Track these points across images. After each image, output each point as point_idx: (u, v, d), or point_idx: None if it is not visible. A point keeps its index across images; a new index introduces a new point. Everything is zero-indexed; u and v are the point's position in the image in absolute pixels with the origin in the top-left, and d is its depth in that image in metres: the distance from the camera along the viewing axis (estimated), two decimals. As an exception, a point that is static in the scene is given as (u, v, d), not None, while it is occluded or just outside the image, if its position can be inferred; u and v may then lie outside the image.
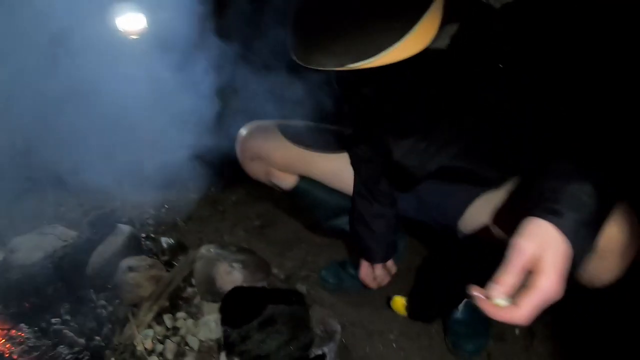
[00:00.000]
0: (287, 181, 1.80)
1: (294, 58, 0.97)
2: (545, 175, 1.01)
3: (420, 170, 1.43)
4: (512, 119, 1.22)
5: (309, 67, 0.96)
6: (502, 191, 1.41)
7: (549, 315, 1.73)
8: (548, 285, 0.85)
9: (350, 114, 1.59)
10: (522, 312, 0.85)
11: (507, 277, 0.87)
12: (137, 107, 2.64)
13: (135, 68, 2.59)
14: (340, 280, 1.98)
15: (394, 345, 1.76)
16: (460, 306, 1.75)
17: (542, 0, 1.09)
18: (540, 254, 0.87)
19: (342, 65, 0.92)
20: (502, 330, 1.78)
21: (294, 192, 1.82)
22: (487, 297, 0.88)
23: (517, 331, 1.77)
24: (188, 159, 2.51)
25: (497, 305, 0.87)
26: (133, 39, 2.54)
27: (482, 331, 1.76)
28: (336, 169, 1.73)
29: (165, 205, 2.51)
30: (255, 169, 1.83)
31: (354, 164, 1.68)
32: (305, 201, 1.86)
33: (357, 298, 1.95)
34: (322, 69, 0.95)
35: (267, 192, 1.77)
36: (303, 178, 1.78)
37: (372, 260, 1.81)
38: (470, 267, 1.48)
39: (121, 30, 2.51)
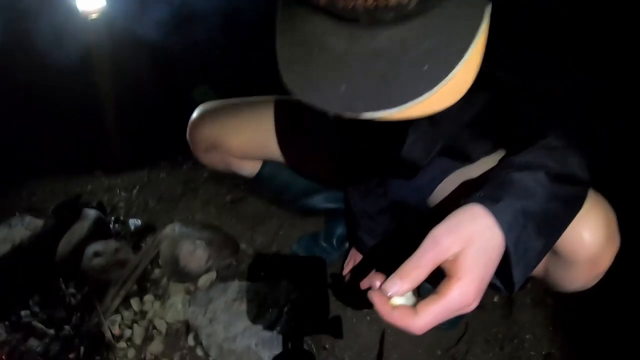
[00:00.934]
0: (248, 168, 1.64)
1: (288, 85, 0.62)
2: (504, 161, 0.84)
3: (424, 160, 1.24)
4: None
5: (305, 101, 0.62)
6: (478, 165, 1.26)
7: (529, 282, 1.68)
8: (458, 296, 0.69)
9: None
10: (418, 322, 0.69)
11: (413, 272, 0.70)
12: (103, 88, 2.59)
13: (97, 48, 2.53)
14: (313, 254, 1.90)
15: (368, 318, 1.71)
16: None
17: None
18: (461, 251, 0.70)
19: (354, 111, 0.59)
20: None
21: (258, 179, 1.66)
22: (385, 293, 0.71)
23: (495, 299, 1.71)
24: (158, 137, 2.46)
25: (392, 305, 0.71)
26: (92, 18, 2.47)
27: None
28: (305, 149, 1.59)
29: (137, 187, 2.44)
30: (212, 161, 1.63)
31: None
32: (272, 186, 1.72)
33: (330, 272, 1.88)
34: (325, 109, 0.61)
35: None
36: (266, 162, 1.62)
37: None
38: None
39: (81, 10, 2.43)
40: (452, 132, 1.18)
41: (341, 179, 1.51)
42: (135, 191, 2.43)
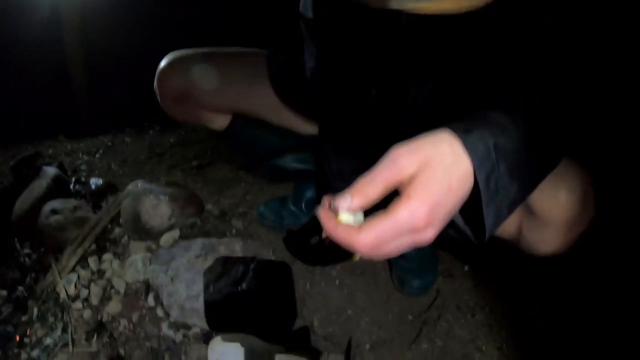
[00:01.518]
0: (219, 121, 1.57)
1: None
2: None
3: (404, 106, 1.12)
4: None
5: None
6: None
7: (500, 252, 1.65)
8: (407, 215, 0.63)
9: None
10: (362, 239, 0.64)
11: (365, 188, 0.66)
12: (69, 52, 2.50)
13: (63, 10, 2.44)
14: (280, 218, 1.83)
15: (337, 282, 1.65)
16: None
17: None
18: (417, 171, 0.65)
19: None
20: (451, 266, 1.69)
21: (228, 133, 1.59)
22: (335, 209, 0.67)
23: (466, 267, 1.68)
24: (123, 102, 2.38)
25: (339, 221, 0.67)
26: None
27: (430, 267, 1.64)
28: (278, 102, 1.52)
29: (100, 151, 2.35)
30: (180, 112, 1.54)
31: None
32: (242, 141, 1.63)
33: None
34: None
35: (208, 133, 1.53)
36: (238, 116, 1.55)
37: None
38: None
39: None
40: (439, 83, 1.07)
41: (316, 130, 1.44)
42: (98, 155, 2.36)
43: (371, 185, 0.66)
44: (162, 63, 1.47)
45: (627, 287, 1.48)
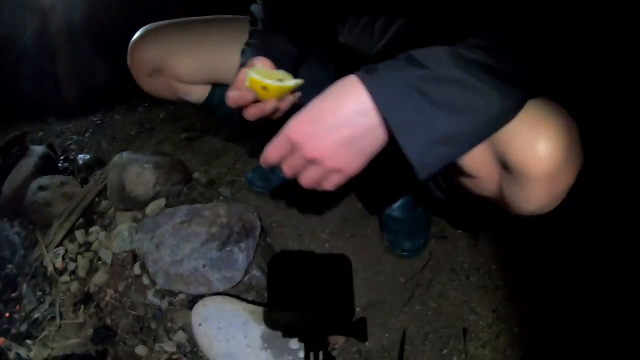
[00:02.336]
0: (197, 93, 1.48)
1: None
2: None
3: (369, 50, 1.14)
4: None
5: None
6: None
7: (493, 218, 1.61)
8: (292, 123, 0.79)
9: None
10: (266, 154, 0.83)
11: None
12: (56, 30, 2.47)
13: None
14: (269, 183, 1.79)
15: (327, 245, 1.62)
16: (397, 202, 1.59)
17: None
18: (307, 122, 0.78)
19: None
20: (444, 227, 1.65)
21: (208, 105, 1.50)
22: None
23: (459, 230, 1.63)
24: (111, 79, 2.36)
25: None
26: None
27: (422, 229, 1.61)
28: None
29: (89, 129, 2.33)
30: (156, 87, 1.47)
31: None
32: (223, 112, 1.51)
33: (287, 200, 1.77)
34: None
35: (197, 107, 1.49)
36: (216, 87, 1.46)
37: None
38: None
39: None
40: (402, 20, 1.05)
41: None
42: (87, 134, 2.34)
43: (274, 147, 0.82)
44: (134, 38, 1.42)
45: (620, 252, 1.45)
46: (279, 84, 0.98)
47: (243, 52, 1.20)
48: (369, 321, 1.39)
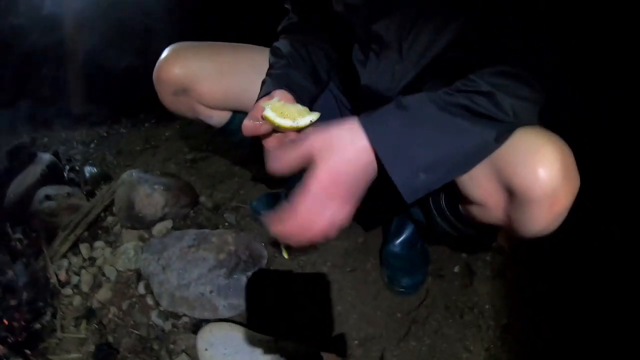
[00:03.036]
0: (217, 117, 1.48)
1: None
2: None
3: (392, 92, 1.23)
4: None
5: None
6: None
7: (489, 256, 1.70)
8: (313, 181, 0.85)
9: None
10: (279, 162, 0.89)
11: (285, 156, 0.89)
12: (68, 42, 2.49)
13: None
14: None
15: (328, 278, 1.66)
16: (399, 240, 1.65)
17: None
18: (323, 146, 0.86)
19: None
20: (441, 266, 1.70)
21: (228, 129, 1.51)
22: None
23: (456, 269, 1.69)
24: (119, 93, 2.38)
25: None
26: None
27: (420, 267, 1.67)
28: None
29: (95, 141, 2.36)
30: (178, 106, 1.46)
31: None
32: (238, 137, 1.47)
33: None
34: None
35: (204, 127, 1.50)
36: (236, 114, 1.47)
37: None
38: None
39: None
40: (420, 63, 1.16)
41: None
42: (93, 145, 2.36)
43: (290, 159, 0.88)
44: (164, 54, 1.41)
45: (618, 287, 1.52)
46: (291, 124, 1.01)
47: (264, 82, 1.24)
48: (366, 354, 1.44)
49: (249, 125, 1.09)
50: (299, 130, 1.03)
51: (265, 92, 1.18)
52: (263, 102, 1.07)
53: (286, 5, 1.41)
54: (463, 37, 1.08)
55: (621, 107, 1.71)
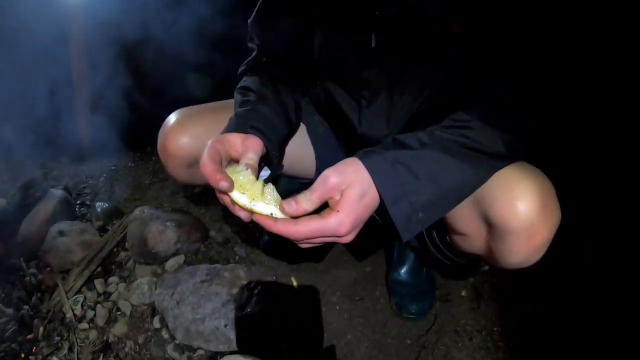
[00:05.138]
0: None
1: None
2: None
3: (385, 136, 1.26)
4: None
5: None
6: None
7: (495, 278, 1.76)
8: (335, 223, 0.87)
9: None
10: (299, 230, 0.86)
11: (304, 203, 0.88)
12: (75, 73, 2.54)
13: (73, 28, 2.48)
14: (282, 248, 1.88)
15: (337, 307, 1.71)
16: (404, 268, 1.71)
17: None
18: (343, 191, 0.89)
19: None
20: (448, 291, 1.76)
21: None
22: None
23: (463, 293, 1.75)
24: (126, 126, 2.43)
25: (271, 217, 0.89)
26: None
27: (428, 292, 1.72)
28: (297, 154, 1.40)
29: (104, 174, 2.41)
30: (191, 177, 1.37)
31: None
32: None
33: (299, 263, 1.88)
34: None
35: None
36: None
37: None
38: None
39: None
40: (412, 107, 1.22)
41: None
42: (102, 178, 2.41)
43: (309, 202, 0.88)
44: (167, 124, 1.32)
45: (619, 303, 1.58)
46: (248, 205, 0.91)
47: (230, 120, 1.14)
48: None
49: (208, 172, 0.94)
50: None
51: (228, 130, 1.09)
52: (229, 168, 0.97)
53: (251, 45, 1.36)
54: (453, 78, 1.15)
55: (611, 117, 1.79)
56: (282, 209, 0.89)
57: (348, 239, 0.91)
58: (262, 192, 0.92)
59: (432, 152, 0.93)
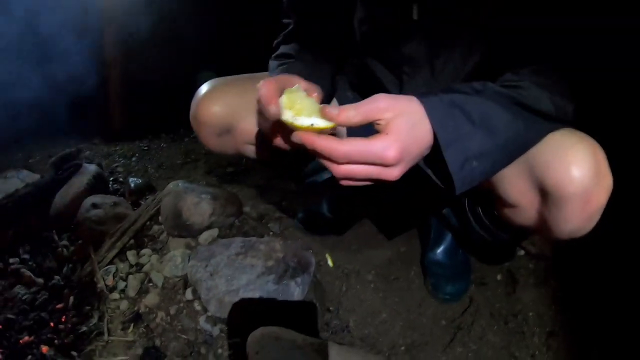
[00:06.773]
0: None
1: None
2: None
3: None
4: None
5: None
6: None
7: (531, 262, 1.71)
8: (380, 147, 0.81)
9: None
10: (341, 148, 0.81)
11: (350, 111, 0.83)
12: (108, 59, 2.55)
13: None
14: (317, 226, 1.87)
15: (372, 286, 1.68)
16: (441, 248, 1.67)
17: None
18: (393, 117, 0.83)
19: None
20: (484, 274, 1.71)
21: (272, 162, 1.43)
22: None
23: (499, 277, 1.71)
24: (159, 108, 2.44)
25: (314, 133, 0.84)
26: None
27: (463, 274, 1.68)
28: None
29: (136, 154, 2.41)
30: (222, 146, 1.38)
31: None
32: (287, 164, 1.48)
33: (334, 240, 1.86)
34: None
35: None
36: None
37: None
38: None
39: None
40: (454, 80, 1.18)
41: None
42: (134, 158, 2.41)
43: (354, 111, 0.83)
44: (200, 94, 1.31)
45: None
46: (290, 120, 0.87)
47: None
48: None
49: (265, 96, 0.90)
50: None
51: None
52: (286, 90, 0.91)
53: (285, 21, 1.34)
54: (496, 49, 1.10)
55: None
56: (323, 114, 0.84)
57: (394, 172, 0.84)
58: (310, 108, 0.88)
59: (487, 100, 0.90)
